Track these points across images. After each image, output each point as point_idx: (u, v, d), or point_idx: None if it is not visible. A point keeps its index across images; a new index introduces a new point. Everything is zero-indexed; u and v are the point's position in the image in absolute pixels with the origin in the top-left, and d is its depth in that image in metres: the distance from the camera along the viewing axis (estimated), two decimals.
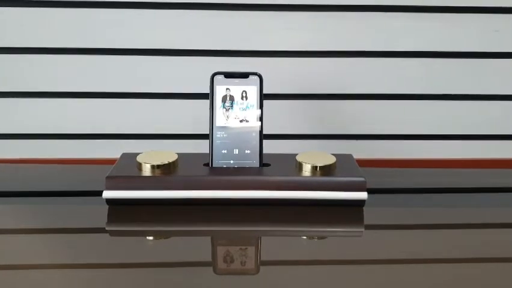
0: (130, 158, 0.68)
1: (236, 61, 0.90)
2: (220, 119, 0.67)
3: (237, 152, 0.67)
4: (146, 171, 0.65)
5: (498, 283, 0.51)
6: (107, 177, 0.64)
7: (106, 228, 0.62)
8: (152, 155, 0.67)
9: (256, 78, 0.67)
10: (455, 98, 0.95)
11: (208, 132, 0.67)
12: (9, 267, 0.53)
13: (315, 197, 0.64)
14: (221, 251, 0.56)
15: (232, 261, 0.54)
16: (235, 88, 0.67)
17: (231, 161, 0.67)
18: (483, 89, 0.94)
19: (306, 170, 0.66)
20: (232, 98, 0.67)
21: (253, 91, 0.67)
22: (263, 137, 0.67)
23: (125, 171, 0.65)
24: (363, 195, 0.64)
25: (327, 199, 0.64)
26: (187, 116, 0.93)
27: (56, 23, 0.89)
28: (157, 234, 0.61)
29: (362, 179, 0.64)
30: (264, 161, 0.67)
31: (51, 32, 0.89)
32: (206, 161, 0.67)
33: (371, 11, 0.90)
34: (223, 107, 0.67)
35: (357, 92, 0.94)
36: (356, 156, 0.72)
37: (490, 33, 0.91)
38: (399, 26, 0.91)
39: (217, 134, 0.67)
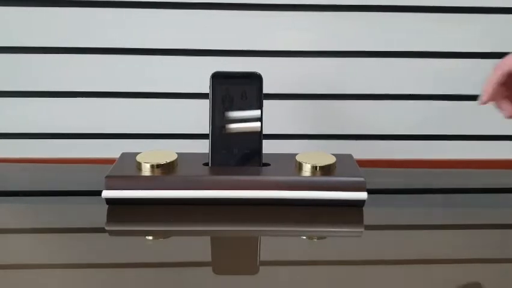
0: (129, 158, 0.68)
1: (236, 61, 0.90)
2: (220, 119, 0.67)
3: (236, 152, 0.67)
4: (146, 170, 0.65)
5: (498, 283, 0.51)
6: (107, 177, 0.64)
7: (106, 228, 0.62)
8: (151, 155, 0.67)
9: (256, 78, 0.67)
10: (455, 99, 0.95)
11: (208, 132, 0.67)
12: (9, 267, 0.53)
13: (315, 197, 0.64)
14: (221, 250, 0.56)
15: (231, 261, 0.53)
16: (235, 88, 0.67)
17: (231, 161, 0.67)
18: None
19: (306, 170, 0.65)
20: (232, 98, 0.67)
21: (253, 91, 0.67)
22: (263, 137, 0.67)
23: (125, 171, 0.65)
24: (363, 195, 0.64)
25: (327, 199, 0.64)
26: (187, 116, 0.93)
27: (57, 23, 0.89)
28: (157, 234, 0.60)
29: (361, 179, 0.64)
30: (264, 161, 0.67)
31: (52, 32, 0.89)
32: (206, 160, 0.67)
33: (371, 11, 0.90)
34: (223, 107, 0.67)
35: (357, 92, 0.94)
36: (356, 156, 0.72)
37: (490, 33, 0.91)
38: (400, 26, 0.91)
39: (217, 134, 0.67)
